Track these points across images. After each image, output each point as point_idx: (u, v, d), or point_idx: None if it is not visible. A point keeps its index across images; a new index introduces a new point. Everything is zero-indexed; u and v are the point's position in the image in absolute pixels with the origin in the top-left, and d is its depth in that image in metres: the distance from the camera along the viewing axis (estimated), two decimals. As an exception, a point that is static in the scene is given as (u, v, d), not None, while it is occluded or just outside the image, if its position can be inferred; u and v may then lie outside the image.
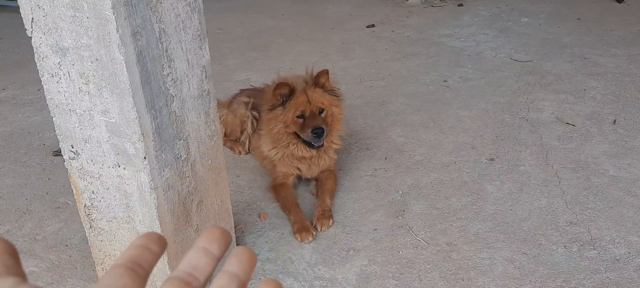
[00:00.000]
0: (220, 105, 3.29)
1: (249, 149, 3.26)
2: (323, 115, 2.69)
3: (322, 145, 2.72)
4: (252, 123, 3.15)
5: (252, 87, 3.47)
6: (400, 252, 2.41)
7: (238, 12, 6.56)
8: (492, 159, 3.10)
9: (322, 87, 2.69)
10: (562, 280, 2.21)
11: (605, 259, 2.31)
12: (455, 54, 4.83)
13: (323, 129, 2.63)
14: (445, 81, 4.24)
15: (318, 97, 2.66)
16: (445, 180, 2.93)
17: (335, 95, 2.75)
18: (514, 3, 6.34)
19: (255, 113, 3.14)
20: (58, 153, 3.27)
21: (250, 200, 2.85)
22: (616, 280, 2.20)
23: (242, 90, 3.40)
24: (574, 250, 2.38)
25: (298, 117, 2.66)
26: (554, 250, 2.38)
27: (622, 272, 2.24)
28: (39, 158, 3.32)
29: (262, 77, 4.11)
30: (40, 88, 1.70)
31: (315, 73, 2.70)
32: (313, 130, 2.62)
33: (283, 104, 2.67)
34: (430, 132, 3.45)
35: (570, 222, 2.55)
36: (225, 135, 3.29)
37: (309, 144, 2.72)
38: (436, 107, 3.81)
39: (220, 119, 3.22)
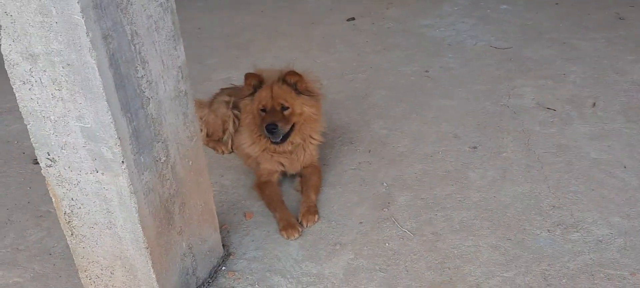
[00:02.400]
0: (201, 105, 3.27)
1: (232, 148, 3.24)
2: (287, 112, 2.68)
3: (279, 141, 2.71)
4: (234, 122, 3.13)
5: (232, 85, 3.45)
6: (387, 244, 2.42)
7: (217, 10, 6.51)
8: (474, 147, 3.12)
9: (293, 86, 2.68)
10: (546, 264, 2.23)
11: (588, 241, 2.34)
12: (435, 43, 4.84)
13: (276, 126, 2.62)
14: (426, 71, 4.25)
15: (281, 94, 2.66)
16: (429, 170, 2.94)
17: (311, 95, 2.74)
18: (492, -9, 6.37)
19: (236, 112, 3.12)
20: (38, 161, 3.22)
21: (234, 199, 2.84)
22: (599, 261, 2.22)
23: (222, 89, 3.38)
24: (557, 233, 2.40)
25: (261, 110, 2.68)
26: (537, 234, 2.40)
27: (604, 253, 2.27)
28: (19, 167, 3.27)
29: (242, 75, 4.09)
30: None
31: (291, 69, 2.71)
32: (266, 125, 2.62)
33: (253, 94, 2.70)
34: (412, 123, 3.46)
35: (553, 206, 2.57)
36: (207, 135, 3.27)
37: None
38: (418, 97, 3.81)
39: (201, 119, 3.21)
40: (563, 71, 4.03)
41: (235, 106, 3.12)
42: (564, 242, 2.34)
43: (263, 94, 2.67)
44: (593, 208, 2.54)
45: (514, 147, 3.09)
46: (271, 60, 4.66)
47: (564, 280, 2.15)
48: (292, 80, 2.68)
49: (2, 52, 1.58)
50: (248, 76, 2.71)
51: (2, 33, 1.54)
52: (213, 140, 3.29)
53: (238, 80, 3.84)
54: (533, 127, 3.27)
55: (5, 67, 1.60)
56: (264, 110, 2.68)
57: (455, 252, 2.34)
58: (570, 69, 4.05)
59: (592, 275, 2.16)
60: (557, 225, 2.45)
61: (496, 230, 2.45)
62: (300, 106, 2.70)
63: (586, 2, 5.61)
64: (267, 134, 2.65)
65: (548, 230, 2.42)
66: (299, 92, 2.69)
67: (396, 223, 2.55)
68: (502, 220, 2.51)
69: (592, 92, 3.67)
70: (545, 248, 2.31)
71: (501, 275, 2.19)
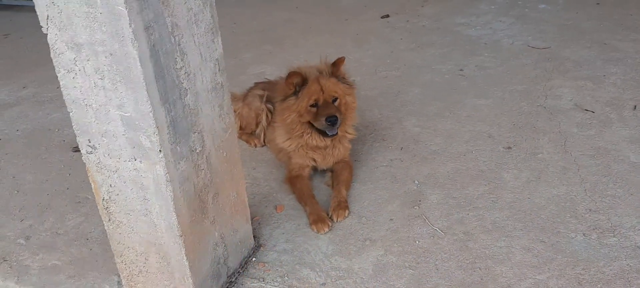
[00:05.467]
0: (235, 98, 3.32)
1: (264, 142, 3.27)
2: (336, 103, 2.69)
3: (336, 133, 2.73)
4: (267, 116, 3.16)
5: (266, 80, 3.48)
6: (417, 242, 2.41)
7: (252, 5, 6.57)
8: (509, 147, 3.07)
9: (338, 75, 2.70)
10: (581, 268, 2.18)
11: (625, 246, 2.28)
12: (471, 42, 4.78)
13: (337, 117, 2.63)
14: (461, 70, 4.20)
15: (331, 86, 2.67)
16: (462, 169, 2.91)
17: (348, 84, 2.75)
18: (531, -11, 6.25)
19: (269, 106, 3.15)
20: (78, 149, 3.32)
21: (266, 192, 2.87)
22: (637, 267, 2.16)
23: (256, 83, 3.42)
24: (593, 237, 2.34)
25: (311, 106, 2.67)
26: (572, 237, 2.35)
27: (643, 259, 2.21)
28: (60, 154, 3.38)
29: (276, 70, 4.12)
30: (59, 85, 1.72)
31: (330, 62, 2.71)
32: (327, 118, 2.62)
33: (296, 93, 2.69)
34: (446, 121, 3.43)
35: (590, 210, 2.51)
36: (240, 128, 3.31)
37: (323, 133, 2.72)
38: (452, 96, 3.77)
39: (235, 112, 3.26)
40: (603, 72, 3.93)
41: (269, 100, 3.15)
42: (600, 247, 2.29)
43: (313, 89, 2.65)
44: (631, 213, 2.47)
45: (550, 148, 3.03)
46: (305, 55, 4.68)
47: (599, 285, 2.10)
48: (339, 65, 2.70)
49: (49, 41, 1.63)
50: (291, 75, 2.65)
51: (49, 23, 1.60)
52: (246, 133, 3.33)
53: (272, 75, 3.88)
54: (570, 129, 3.20)
55: (51, 55, 1.66)
56: (314, 105, 2.68)
57: (487, 252, 2.31)
58: (610, 71, 3.95)
59: (629, 282, 2.11)
60: (593, 229, 2.39)
61: (529, 232, 2.41)
62: (344, 96, 2.72)
63: (628, 2, 5.46)
64: (328, 127, 2.65)
65: (583, 234, 2.37)
66: (342, 81, 2.71)
67: (427, 221, 2.53)
68: (535, 222, 2.47)
69: (633, 94, 3.56)
70: (580, 252, 2.27)
71: (534, 277, 2.16)
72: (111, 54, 1.57)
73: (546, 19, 5.22)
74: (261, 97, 3.20)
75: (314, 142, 2.78)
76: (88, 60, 1.61)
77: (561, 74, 3.96)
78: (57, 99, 4.12)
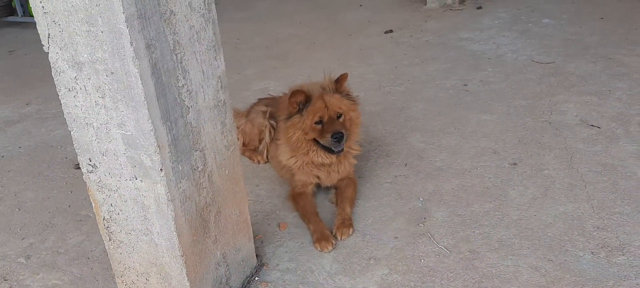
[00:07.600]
0: (238, 114, 3.30)
1: (267, 158, 3.25)
2: (341, 119, 2.67)
3: (343, 150, 2.70)
4: (270, 132, 3.14)
5: (270, 96, 3.47)
6: (422, 261, 2.37)
7: (256, 21, 6.59)
8: (514, 164, 3.04)
9: (342, 91, 2.69)
10: (590, 287, 2.14)
11: (634, 265, 2.23)
12: (475, 57, 4.77)
13: (343, 134, 2.62)
14: (465, 85, 4.18)
15: (336, 102, 2.65)
16: (467, 186, 2.87)
17: (352, 100, 2.74)
18: (534, 4, 6.25)
19: (273, 122, 3.13)
20: (79, 166, 3.30)
21: (269, 209, 2.84)
22: (647, 287, 2.12)
23: (260, 99, 3.41)
24: (601, 256, 2.30)
25: (316, 123, 2.65)
26: (580, 256, 2.31)
27: (653, 279, 2.16)
28: (62, 171, 3.37)
29: (280, 86, 4.11)
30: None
31: (333, 78, 2.70)
32: (333, 135, 2.60)
33: (300, 111, 2.66)
34: (450, 137, 3.40)
35: (598, 227, 2.47)
36: (243, 144, 3.29)
37: (329, 150, 2.70)
38: (456, 111, 3.75)
39: (238, 128, 3.24)
40: (608, 87, 3.90)
41: (272, 116, 3.14)
42: (609, 265, 2.25)
43: (317, 106, 2.63)
44: (640, 231, 2.43)
45: (555, 164, 2.99)
46: (309, 70, 4.68)
47: (608, 306, 2.06)
48: (343, 81, 2.68)
49: (50, 60, 1.62)
50: (294, 94, 2.63)
51: (50, 41, 1.59)
52: (249, 149, 3.31)
53: (276, 90, 3.87)
54: (576, 145, 3.17)
55: (52, 74, 1.65)
56: (319, 122, 2.67)
57: (494, 271, 2.27)
58: (616, 85, 3.92)
59: (639, 302, 2.06)
60: (602, 247, 2.35)
61: (537, 250, 2.37)
62: (348, 112, 2.70)
63: (634, 16, 5.45)
64: (333, 143, 2.64)
65: (592, 252, 2.32)
66: (346, 96, 2.69)
67: (432, 239, 2.49)
68: (543, 240, 2.43)
69: (639, 109, 3.53)
70: (589, 271, 2.22)
71: (542, 297, 2.12)
72: (112, 73, 1.55)
73: (550, 33, 5.21)
74: (264, 113, 3.19)
75: (319, 159, 2.76)
76: (89, 78, 1.60)
77: (566, 89, 3.93)
78: (60, 116, 4.11)
